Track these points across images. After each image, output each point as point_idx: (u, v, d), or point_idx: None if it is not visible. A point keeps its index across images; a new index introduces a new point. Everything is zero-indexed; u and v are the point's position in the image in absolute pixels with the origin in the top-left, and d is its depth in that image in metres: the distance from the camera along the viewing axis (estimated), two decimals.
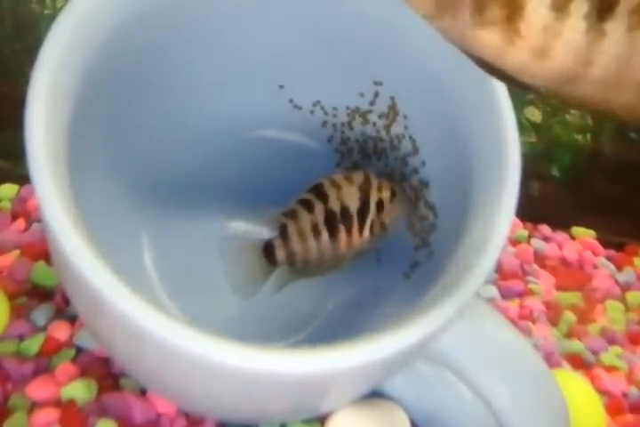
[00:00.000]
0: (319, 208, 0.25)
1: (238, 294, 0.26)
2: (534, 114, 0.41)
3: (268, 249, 0.26)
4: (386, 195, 0.25)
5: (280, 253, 0.25)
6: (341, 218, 0.25)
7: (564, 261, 0.36)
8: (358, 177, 0.26)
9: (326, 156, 0.29)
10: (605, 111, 0.16)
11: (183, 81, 0.26)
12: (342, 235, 0.25)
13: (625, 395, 0.30)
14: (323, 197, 0.25)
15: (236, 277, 0.26)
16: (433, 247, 0.25)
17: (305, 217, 0.25)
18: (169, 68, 0.26)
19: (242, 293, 0.26)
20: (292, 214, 0.25)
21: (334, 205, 0.25)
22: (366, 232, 0.25)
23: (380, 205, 0.25)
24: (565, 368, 0.30)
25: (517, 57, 0.15)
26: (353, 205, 0.25)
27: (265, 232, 0.29)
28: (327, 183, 0.25)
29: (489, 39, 0.15)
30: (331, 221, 0.25)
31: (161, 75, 0.25)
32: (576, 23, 0.15)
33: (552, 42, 0.15)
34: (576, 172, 0.41)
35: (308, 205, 0.25)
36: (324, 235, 0.25)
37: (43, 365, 0.26)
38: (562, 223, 0.38)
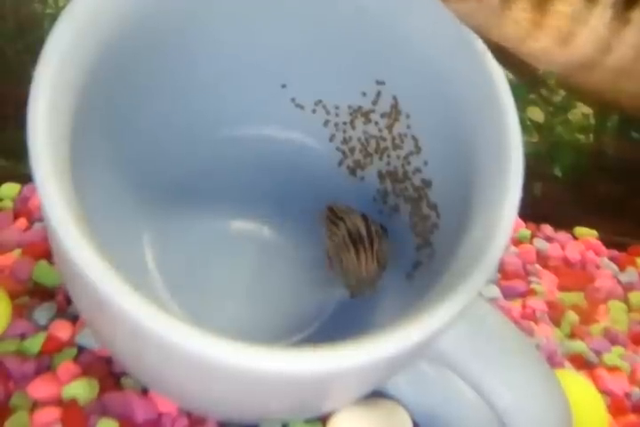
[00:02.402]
0: (342, 226, 0.26)
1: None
2: (537, 114, 0.41)
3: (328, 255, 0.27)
4: (379, 228, 0.26)
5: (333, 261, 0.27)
6: (358, 238, 0.26)
7: (567, 262, 0.36)
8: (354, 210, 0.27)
9: (328, 155, 0.29)
10: (611, 100, 0.16)
11: (184, 80, 0.26)
12: (362, 255, 0.26)
13: (627, 395, 0.30)
14: (340, 217, 0.26)
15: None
16: (435, 247, 0.25)
17: (337, 232, 0.26)
18: (170, 67, 0.26)
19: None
20: (330, 229, 0.27)
21: (351, 226, 0.26)
22: (375, 261, 0.26)
23: (378, 235, 0.26)
24: (568, 368, 0.30)
25: (540, 42, 0.15)
26: (362, 229, 0.26)
27: (265, 231, 0.29)
28: (336, 207, 0.27)
29: (514, 24, 0.15)
30: (352, 239, 0.26)
31: (162, 74, 0.25)
32: (603, 11, 0.15)
33: (577, 29, 0.15)
34: (579, 172, 0.41)
35: (334, 223, 0.26)
36: (352, 251, 0.26)
37: (44, 364, 0.26)
38: (564, 223, 0.38)
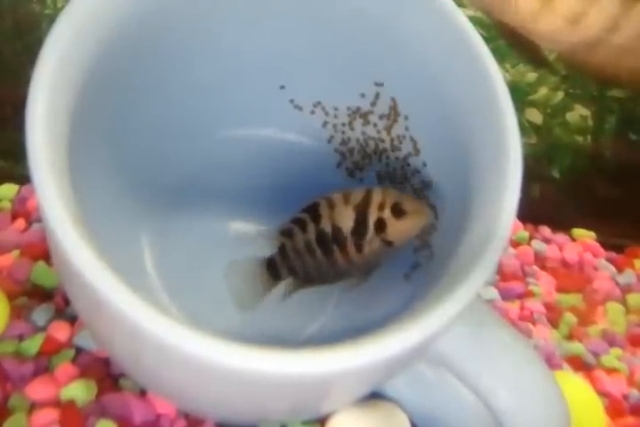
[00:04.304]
0: (311, 228, 0.25)
1: (240, 306, 0.26)
2: (535, 115, 0.41)
3: (271, 265, 0.26)
4: (387, 214, 0.25)
5: (283, 269, 0.26)
6: (333, 238, 0.25)
7: (565, 263, 0.36)
8: (357, 196, 0.25)
9: (327, 156, 0.29)
10: (611, 76, 0.16)
11: (183, 81, 0.26)
12: (336, 253, 0.25)
13: (625, 397, 0.30)
14: (316, 217, 0.25)
15: (239, 292, 0.27)
16: (433, 248, 0.25)
17: (299, 236, 0.26)
18: (169, 68, 0.26)
19: (244, 306, 0.27)
20: (287, 233, 0.26)
21: (326, 226, 0.25)
22: (366, 249, 0.25)
23: (379, 223, 0.25)
24: (566, 370, 0.30)
25: (551, 22, 0.15)
26: (346, 225, 0.25)
27: (265, 231, 0.29)
28: (323, 203, 0.25)
29: (526, 3, 0.15)
30: (323, 241, 0.25)
31: (161, 74, 0.25)
32: None
33: (588, 8, 0.15)
34: (576, 173, 0.41)
35: (301, 225, 0.26)
36: (318, 252, 0.25)
37: (42, 365, 0.26)
38: (562, 225, 0.38)
